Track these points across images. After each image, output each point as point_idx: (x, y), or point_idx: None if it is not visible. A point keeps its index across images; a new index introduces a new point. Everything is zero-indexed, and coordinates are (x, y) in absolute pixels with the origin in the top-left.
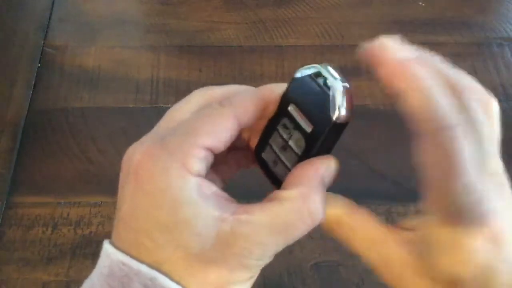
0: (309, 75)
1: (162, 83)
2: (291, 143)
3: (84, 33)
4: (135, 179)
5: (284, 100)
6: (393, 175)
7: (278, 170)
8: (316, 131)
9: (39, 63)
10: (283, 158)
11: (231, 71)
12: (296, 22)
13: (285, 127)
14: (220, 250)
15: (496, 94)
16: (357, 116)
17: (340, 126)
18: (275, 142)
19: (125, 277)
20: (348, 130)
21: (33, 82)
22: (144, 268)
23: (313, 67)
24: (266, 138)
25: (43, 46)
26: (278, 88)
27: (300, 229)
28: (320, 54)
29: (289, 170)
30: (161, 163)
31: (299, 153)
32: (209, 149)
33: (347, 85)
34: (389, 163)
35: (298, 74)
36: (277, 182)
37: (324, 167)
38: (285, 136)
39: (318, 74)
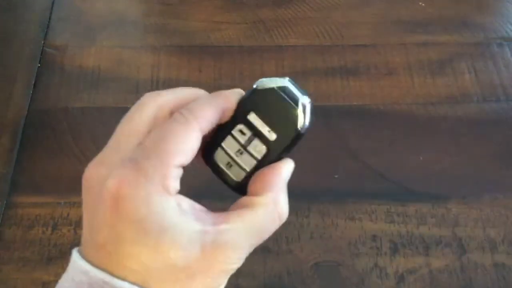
0: (274, 88)
1: (162, 83)
2: (250, 148)
3: (84, 33)
4: (115, 208)
5: (243, 108)
6: (393, 175)
7: (233, 171)
8: (280, 139)
9: (39, 63)
10: (239, 161)
11: (231, 71)
12: (296, 22)
13: (241, 132)
14: (205, 261)
15: (496, 94)
16: (357, 116)
17: (302, 136)
18: (230, 146)
19: None
20: (348, 130)
21: (33, 82)
22: (127, 286)
23: (277, 80)
24: (217, 141)
25: (43, 46)
26: (233, 96)
27: (271, 230)
28: (320, 54)
29: (247, 172)
30: (142, 191)
31: (259, 157)
32: (181, 165)
33: (309, 99)
34: (389, 163)
35: (261, 86)
36: (231, 182)
37: (286, 171)
38: (242, 141)
39: (284, 88)
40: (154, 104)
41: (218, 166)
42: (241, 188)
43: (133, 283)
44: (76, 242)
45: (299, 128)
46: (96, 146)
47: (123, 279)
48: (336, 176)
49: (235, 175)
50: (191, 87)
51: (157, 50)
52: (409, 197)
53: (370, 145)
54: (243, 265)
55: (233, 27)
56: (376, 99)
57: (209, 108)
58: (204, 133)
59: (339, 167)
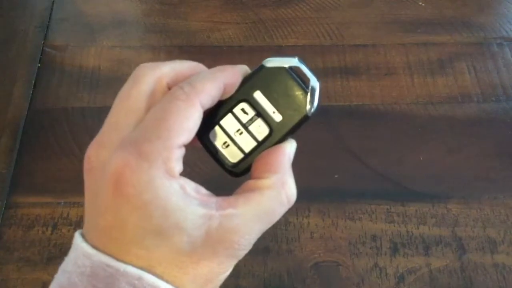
0: (285, 68)
1: None
2: (251, 128)
3: (84, 33)
4: (118, 193)
5: (248, 85)
6: (393, 175)
7: (229, 152)
8: (285, 121)
9: (39, 63)
10: (238, 141)
11: None
12: (296, 22)
13: (243, 111)
14: (211, 246)
15: (496, 94)
16: (357, 116)
17: (308, 119)
18: (229, 125)
19: (110, 278)
20: (348, 130)
21: (33, 82)
22: (130, 269)
23: (287, 60)
24: (215, 119)
25: (43, 46)
26: (238, 71)
27: (280, 213)
28: (320, 54)
29: (245, 153)
30: (144, 175)
31: (260, 139)
32: (183, 145)
33: (318, 81)
34: (389, 163)
35: (270, 64)
36: (226, 162)
37: (291, 152)
38: (243, 120)
39: (295, 69)
40: (151, 77)
41: (213, 145)
42: (236, 170)
43: (138, 267)
44: None
45: (307, 112)
46: None
47: (127, 264)
48: (336, 176)
49: (232, 156)
50: (189, 60)
51: (157, 50)
52: (409, 197)
53: (370, 145)
54: (243, 265)
55: (233, 27)
56: (376, 99)
57: (212, 83)
58: (205, 109)
59: (339, 167)
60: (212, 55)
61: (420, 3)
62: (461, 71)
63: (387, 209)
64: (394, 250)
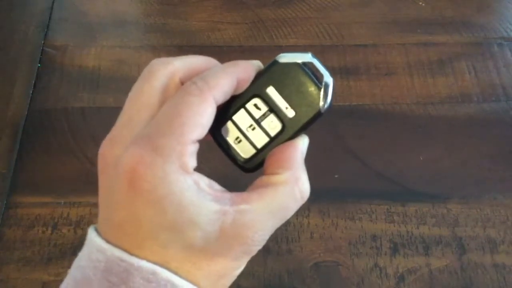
0: (299, 63)
1: None
2: (264, 124)
3: (84, 33)
4: (132, 188)
5: (261, 81)
6: (393, 175)
7: (242, 147)
8: (298, 117)
9: (39, 63)
10: (250, 136)
11: None
12: (296, 22)
13: (256, 107)
14: (225, 242)
15: (496, 94)
16: (357, 116)
17: (321, 116)
18: (241, 120)
19: (124, 272)
20: (348, 130)
21: (33, 82)
22: (145, 264)
23: (300, 55)
24: (228, 114)
25: (43, 46)
26: (252, 67)
27: (294, 209)
28: (320, 54)
29: (257, 149)
30: (158, 171)
31: (272, 134)
32: (197, 140)
33: (332, 77)
34: (389, 163)
35: (284, 59)
36: (238, 158)
37: (304, 147)
38: (256, 116)
39: (309, 64)
40: (164, 72)
41: (225, 141)
42: (248, 166)
43: (152, 262)
44: (76, 242)
45: (320, 108)
46: (96, 146)
47: (142, 258)
48: (336, 176)
49: (244, 151)
50: (201, 55)
51: (157, 50)
52: (409, 197)
53: (370, 145)
54: None
55: (233, 27)
56: (376, 99)
57: (225, 78)
58: (218, 104)
59: (339, 167)
60: (212, 55)
61: (420, 3)
62: (461, 71)
63: (387, 209)
64: (394, 250)
